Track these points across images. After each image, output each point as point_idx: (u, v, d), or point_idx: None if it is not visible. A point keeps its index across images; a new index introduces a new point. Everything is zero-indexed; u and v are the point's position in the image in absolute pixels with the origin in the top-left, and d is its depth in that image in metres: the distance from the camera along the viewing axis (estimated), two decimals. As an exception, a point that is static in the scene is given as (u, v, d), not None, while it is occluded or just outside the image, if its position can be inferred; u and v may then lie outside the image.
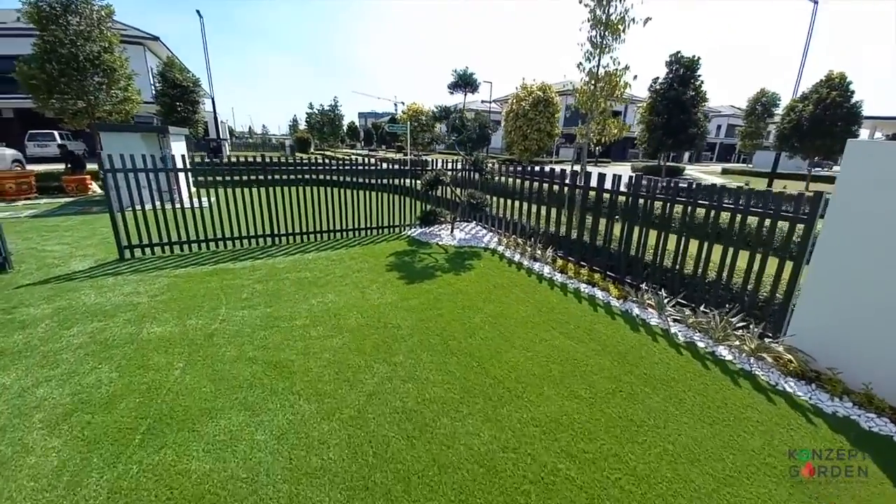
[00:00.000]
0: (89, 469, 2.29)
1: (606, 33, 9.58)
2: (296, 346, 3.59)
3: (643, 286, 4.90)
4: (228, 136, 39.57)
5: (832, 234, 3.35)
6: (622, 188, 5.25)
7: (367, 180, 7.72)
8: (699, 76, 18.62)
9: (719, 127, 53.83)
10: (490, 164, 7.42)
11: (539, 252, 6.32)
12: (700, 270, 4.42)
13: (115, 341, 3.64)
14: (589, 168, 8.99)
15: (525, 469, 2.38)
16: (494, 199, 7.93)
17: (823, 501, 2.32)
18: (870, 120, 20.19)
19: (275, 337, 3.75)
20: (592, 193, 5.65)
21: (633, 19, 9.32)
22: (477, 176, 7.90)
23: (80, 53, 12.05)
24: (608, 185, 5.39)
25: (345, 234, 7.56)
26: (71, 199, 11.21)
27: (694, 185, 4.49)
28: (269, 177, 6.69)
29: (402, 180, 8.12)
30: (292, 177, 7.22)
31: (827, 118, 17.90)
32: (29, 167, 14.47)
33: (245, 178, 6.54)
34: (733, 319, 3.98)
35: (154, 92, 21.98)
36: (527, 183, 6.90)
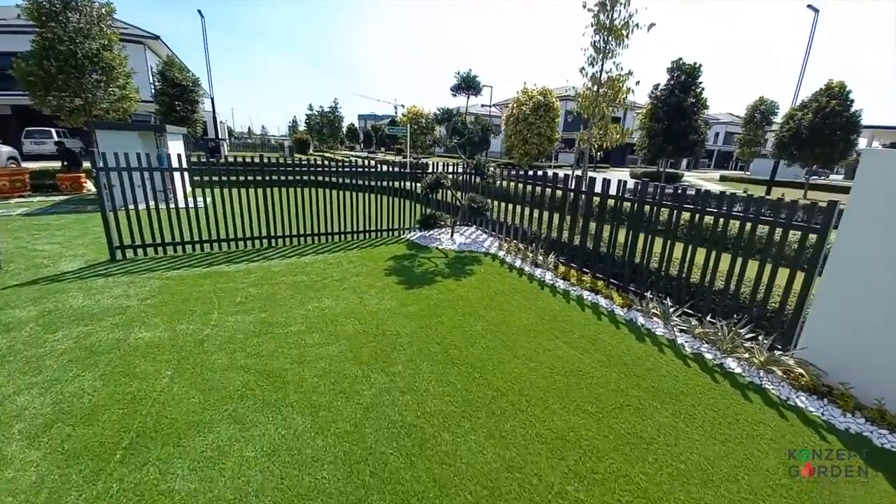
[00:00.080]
0: (68, 486, 2.15)
1: (610, 38, 9.53)
2: (290, 354, 3.45)
3: (648, 294, 4.79)
4: (227, 137, 39.44)
5: (846, 245, 3.25)
6: (627, 194, 5.15)
7: (366, 182, 7.60)
8: (700, 83, 18.64)
9: (717, 134, 54.09)
10: (491, 169, 7.31)
11: (541, 258, 6.21)
12: (708, 280, 4.31)
13: (101, 347, 3.48)
14: (579, 173, 8.90)
15: (531, 491, 2.25)
16: (495, 203, 7.82)
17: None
18: (868, 129, 20.24)
19: (268, 344, 3.61)
20: (596, 199, 5.55)
21: (637, 25, 9.28)
22: (478, 180, 7.79)
23: (79, 51, 11.93)
24: (613, 190, 5.29)
25: (343, 236, 7.43)
26: (65, 197, 11.06)
27: (702, 192, 4.39)
28: (267, 178, 6.56)
29: (401, 183, 8.00)
30: (290, 178, 7.10)
31: (826, 127, 17.92)
32: (25, 165, 14.31)
33: (242, 178, 6.42)
34: (742, 331, 3.87)
35: (153, 91, 21.84)
36: (528, 187, 6.79)
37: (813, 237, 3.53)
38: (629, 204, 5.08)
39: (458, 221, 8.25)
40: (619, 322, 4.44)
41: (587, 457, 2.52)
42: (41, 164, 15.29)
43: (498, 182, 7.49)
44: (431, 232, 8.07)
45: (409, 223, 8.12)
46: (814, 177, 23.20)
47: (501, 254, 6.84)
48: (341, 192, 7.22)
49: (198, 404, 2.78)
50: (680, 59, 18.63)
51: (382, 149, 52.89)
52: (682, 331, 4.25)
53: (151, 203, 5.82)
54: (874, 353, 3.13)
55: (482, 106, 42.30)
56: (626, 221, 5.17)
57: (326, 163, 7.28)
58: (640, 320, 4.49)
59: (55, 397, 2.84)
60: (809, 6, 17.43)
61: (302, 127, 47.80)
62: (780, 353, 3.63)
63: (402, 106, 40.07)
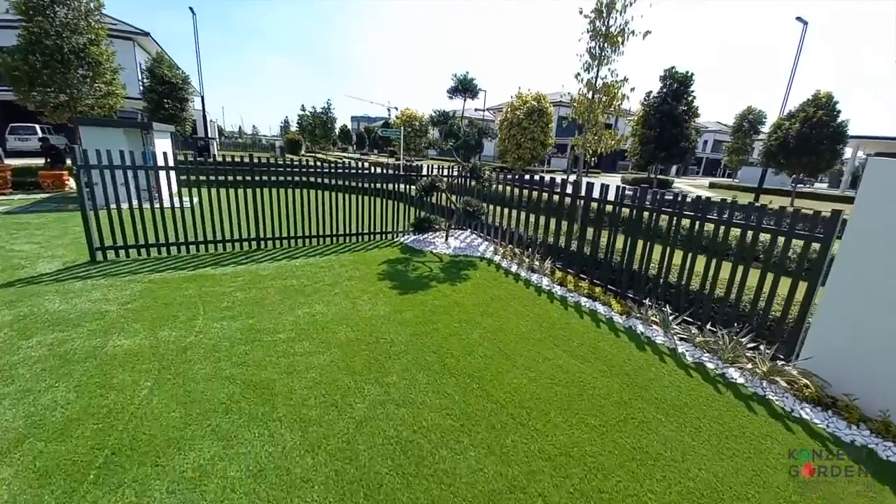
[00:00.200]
0: (34, 510, 1.96)
1: (606, 45, 9.53)
2: (279, 364, 3.28)
3: (646, 302, 4.72)
4: (217, 136, 38.83)
5: (850, 255, 3.20)
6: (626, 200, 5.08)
7: (359, 184, 7.43)
8: (692, 91, 18.86)
9: (706, 142, 54.97)
10: (487, 172, 7.21)
11: (537, 263, 6.11)
12: (708, 287, 4.24)
13: (77, 355, 3.27)
14: (574, 178, 8.87)
15: (535, 513, 2.12)
16: (490, 207, 7.71)
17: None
18: (854, 139, 20.69)
19: (256, 352, 3.43)
20: (594, 204, 5.47)
21: (633, 32, 9.30)
22: (473, 183, 7.68)
23: (65, 45, 11.62)
24: (611, 196, 5.22)
25: (335, 239, 7.25)
26: (47, 195, 10.70)
27: (703, 199, 4.33)
28: (257, 178, 6.37)
29: (395, 185, 7.85)
30: (281, 178, 6.91)
31: (813, 136, 18.24)
32: (8, 161, 13.83)
33: (231, 178, 6.21)
34: (743, 340, 3.81)
35: (142, 88, 21.39)
36: (525, 191, 6.71)
37: (816, 246, 3.48)
38: (628, 210, 5.01)
39: (452, 225, 8.13)
40: (619, 330, 4.35)
41: (592, 474, 2.40)
42: (25, 160, 14.82)
43: (494, 186, 7.39)
44: (426, 235, 7.93)
45: (402, 226, 7.98)
46: (799, 185, 23.63)
47: (497, 258, 6.73)
48: (333, 194, 7.05)
49: (178, 419, 2.60)
50: (672, 67, 18.84)
51: (375, 151, 52.63)
52: (682, 339, 4.17)
53: (135, 202, 5.59)
54: (878, 365, 3.08)
55: (475, 110, 42.40)
56: (625, 227, 5.10)
57: (318, 164, 7.10)
58: (640, 328, 4.41)
59: (27, 409, 2.64)
60: (798, 18, 17.76)
61: (294, 127, 47.32)
62: (782, 363, 3.57)
63: (396, 108, 39.95)
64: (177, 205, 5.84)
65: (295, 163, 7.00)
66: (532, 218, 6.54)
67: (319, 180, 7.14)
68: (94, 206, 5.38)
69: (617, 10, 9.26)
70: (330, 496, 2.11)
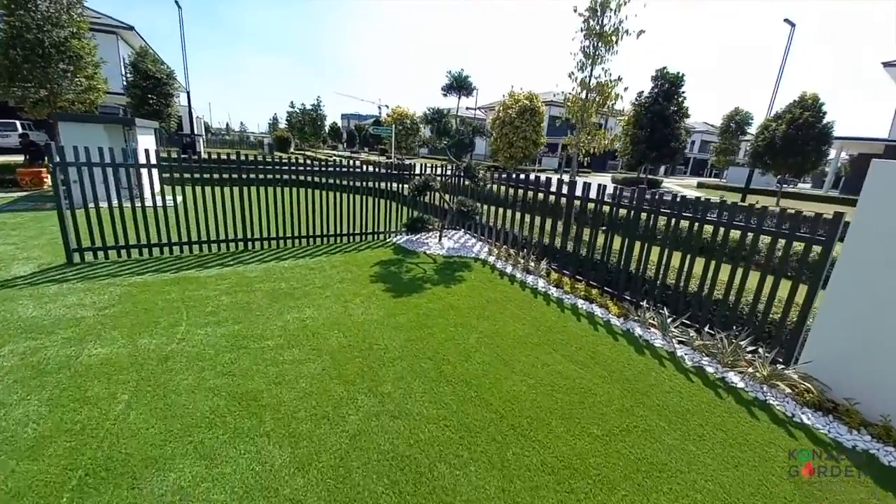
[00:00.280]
0: (-6, 541, 1.78)
1: (600, 44, 9.51)
2: (267, 373, 3.12)
3: (644, 304, 4.65)
4: (204, 132, 38.02)
5: (852, 258, 3.16)
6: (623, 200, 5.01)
7: (350, 183, 7.25)
8: (683, 92, 19.00)
9: (693, 142, 55.69)
10: (482, 172, 7.10)
11: (532, 264, 6.02)
12: (707, 290, 4.19)
13: (50, 365, 3.07)
14: (567, 178, 8.82)
15: (541, 533, 2.01)
16: (485, 207, 7.61)
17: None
18: (838, 140, 21.08)
19: (242, 361, 3.26)
20: (591, 205, 5.40)
21: (627, 31, 9.29)
22: (467, 183, 7.56)
23: (47, 39, 11.22)
24: (608, 196, 5.15)
25: (325, 240, 7.06)
26: (25, 193, 10.30)
27: (702, 201, 4.28)
28: (245, 176, 6.16)
29: (388, 184, 7.68)
30: (269, 176, 6.70)
31: (799, 138, 18.52)
32: (-13, 158, 13.31)
33: (217, 176, 5.99)
34: (743, 343, 3.76)
35: (125, 83, 20.78)
36: (520, 191, 6.61)
37: (817, 249, 3.44)
38: (625, 211, 4.94)
39: (446, 225, 8.00)
40: (617, 333, 4.28)
41: (598, 488, 2.31)
42: (4, 157, 14.26)
43: (488, 186, 7.28)
44: (418, 236, 7.79)
45: (395, 226, 7.82)
46: (784, 185, 24.03)
47: (492, 259, 6.62)
48: (324, 193, 6.86)
49: (158, 435, 2.43)
50: (664, 67, 18.96)
51: (366, 149, 52.19)
52: (680, 342, 4.12)
53: (116, 201, 5.34)
54: (879, 369, 3.04)
55: (467, 108, 42.26)
56: (622, 228, 5.03)
57: (308, 162, 6.91)
58: (638, 331, 4.34)
59: (-3, 425, 2.44)
60: (786, 20, 17.99)
61: (283, 125, 46.67)
62: (782, 367, 3.52)
63: (386, 106, 39.60)
64: (159, 204, 5.59)
65: (284, 161, 6.79)
66: (527, 218, 6.45)
67: (309, 179, 6.95)
68: (70, 205, 5.13)
69: (611, 9, 9.24)
70: (322, 520, 1.98)
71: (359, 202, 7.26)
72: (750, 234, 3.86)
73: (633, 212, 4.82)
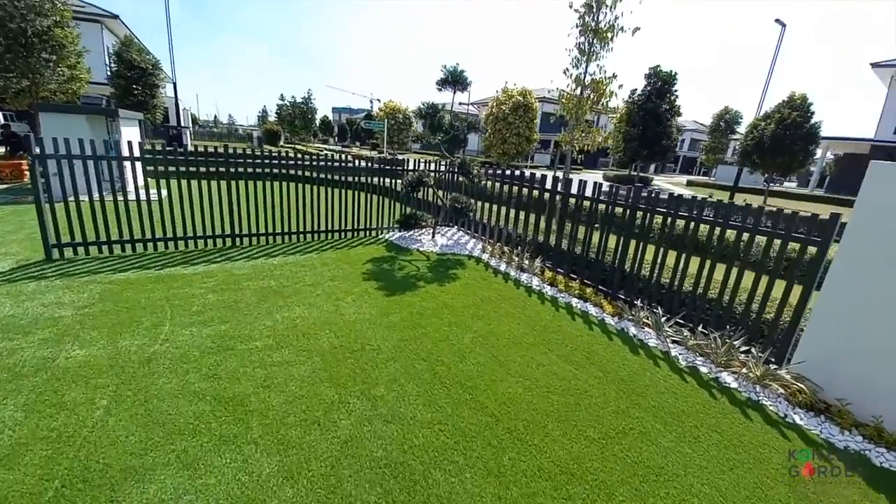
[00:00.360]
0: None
1: (595, 41, 9.45)
2: (254, 376, 3.01)
3: (638, 303, 4.63)
4: (191, 124, 37.19)
5: (847, 259, 3.15)
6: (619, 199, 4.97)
7: (342, 178, 7.11)
8: (675, 90, 19.09)
9: (683, 141, 56.22)
10: (476, 169, 7.01)
11: (527, 262, 5.97)
12: (701, 289, 4.18)
13: (26, 368, 2.93)
14: (561, 175, 8.79)
15: (538, 543, 1.96)
16: (478, 203, 7.53)
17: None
18: (825, 140, 21.42)
19: (229, 363, 3.15)
20: (586, 203, 5.35)
21: (622, 28, 9.24)
22: (461, 179, 7.47)
23: (29, 28, 10.85)
24: (604, 194, 5.11)
25: (316, 236, 6.92)
26: (5, 186, 9.95)
27: (698, 200, 4.26)
28: (233, 169, 5.97)
29: (381, 180, 7.55)
30: (258, 170, 6.51)
31: (787, 137, 18.76)
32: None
33: (204, 169, 5.80)
34: (736, 343, 3.76)
35: (109, 73, 20.18)
36: (514, 189, 6.55)
37: (813, 250, 3.43)
38: (621, 209, 4.91)
39: (439, 222, 7.91)
40: (612, 332, 4.25)
41: (595, 493, 2.26)
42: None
43: (483, 182, 7.20)
44: (411, 232, 7.69)
45: (387, 222, 7.70)
46: (771, 184, 24.39)
47: (485, 257, 6.56)
48: (315, 188, 6.70)
49: (138, 443, 2.32)
50: (657, 66, 19.01)
51: (357, 143, 51.67)
52: (674, 342, 4.10)
53: (98, 195, 5.14)
54: (871, 370, 3.05)
55: (460, 104, 42.01)
56: (617, 227, 4.99)
57: (299, 156, 6.74)
58: (632, 330, 4.32)
59: (-30, 432, 2.31)
60: (777, 20, 18.13)
61: (272, 117, 45.86)
62: (774, 367, 3.52)
63: (378, 100, 39.16)
64: (143, 198, 5.40)
65: (274, 154, 6.62)
66: (521, 215, 6.39)
67: (300, 173, 6.79)
68: (49, 198, 4.92)
69: (607, 6, 9.18)
70: (312, 532, 1.90)
71: (351, 198, 7.13)
72: (746, 234, 3.84)
73: (628, 210, 4.78)
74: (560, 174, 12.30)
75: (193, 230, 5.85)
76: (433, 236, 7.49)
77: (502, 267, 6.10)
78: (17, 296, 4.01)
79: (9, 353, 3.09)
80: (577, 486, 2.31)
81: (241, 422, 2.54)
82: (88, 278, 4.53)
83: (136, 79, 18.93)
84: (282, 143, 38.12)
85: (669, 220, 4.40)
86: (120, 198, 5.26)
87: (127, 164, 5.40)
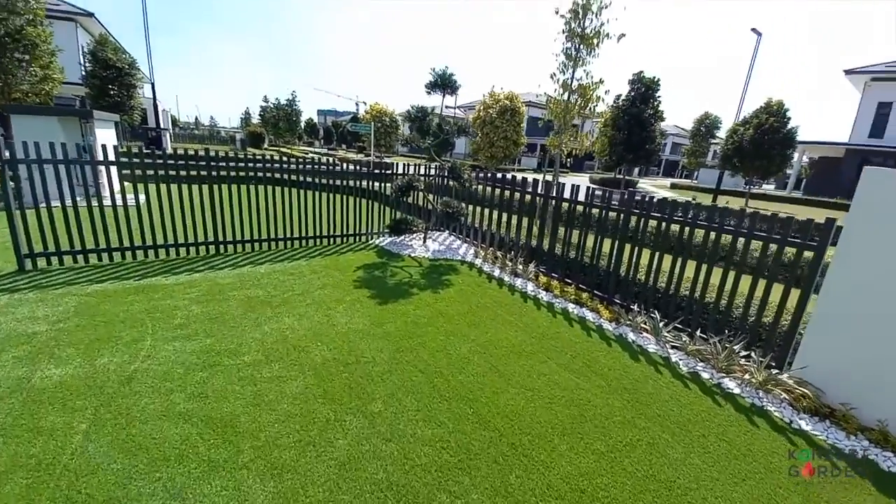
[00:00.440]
0: None
1: (581, 46, 9.48)
2: (244, 394, 2.84)
3: (634, 307, 4.60)
4: (171, 126, 36.28)
5: (845, 262, 3.16)
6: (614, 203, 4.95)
7: (330, 182, 6.93)
8: (658, 96, 19.45)
9: (665, 145, 57.42)
10: (467, 173, 6.92)
11: (520, 267, 5.90)
12: (698, 294, 4.16)
13: (1, 389, 2.71)
14: (549, 178, 8.79)
15: (553, 569, 1.86)
16: (469, 208, 7.45)
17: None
18: (801, 144, 22.10)
19: (216, 380, 2.97)
20: (580, 208, 5.32)
21: (608, 35, 9.30)
22: (452, 183, 7.37)
23: (2, 28, 10.40)
24: (597, 199, 5.08)
25: (304, 242, 6.72)
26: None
27: (693, 204, 4.25)
28: (216, 173, 5.73)
29: (370, 183, 7.40)
30: (242, 174, 6.29)
31: (765, 142, 19.31)
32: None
33: (185, 173, 5.56)
34: (736, 348, 3.74)
35: (84, 73, 19.48)
36: (506, 193, 6.48)
37: (809, 254, 3.44)
38: (615, 213, 4.88)
39: (430, 227, 7.79)
40: (610, 339, 4.20)
41: (607, 513, 2.18)
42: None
43: (474, 186, 7.12)
44: (402, 238, 7.55)
45: (377, 228, 7.54)
46: (750, 186, 25.07)
47: (478, 262, 6.47)
48: (301, 192, 6.50)
49: (121, 471, 2.13)
50: (641, 71, 19.37)
51: (343, 146, 51.22)
52: (674, 347, 4.07)
53: (73, 201, 4.86)
54: (874, 373, 3.06)
55: (446, 107, 42.02)
56: (612, 231, 4.96)
57: (284, 159, 6.54)
58: (631, 336, 4.27)
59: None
60: (753, 29, 18.66)
61: (256, 119, 45.10)
62: (776, 372, 3.52)
63: (364, 103, 38.86)
64: (120, 203, 5.14)
65: (258, 157, 6.41)
66: (514, 220, 6.33)
67: (286, 177, 6.59)
68: (20, 205, 4.64)
69: (592, 12, 9.23)
70: (312, 569, 1.75)
71: (339, 202, 6.95)
72: (742, 239, 3.84)
73: (623, 214, 4.76)
74: (549, 177, 12.33)
75: (175, 237, 5.60)
76: (425, 241, 7.37)
77: (496, 272, 6.02)
78: (-16, 310, 3.74)
79: (-24, 373, 2.86)
80: (589, 504, 2.22)
81: (231, 444, 2.37)
82: (63, 290, 4.27)
83: (111, 79, 18.31)
84: (266, 145, 37.48)
85: (664, 224, 4.39)
86: (95, 203, 4.99)
87: (102, 168, 5.13)
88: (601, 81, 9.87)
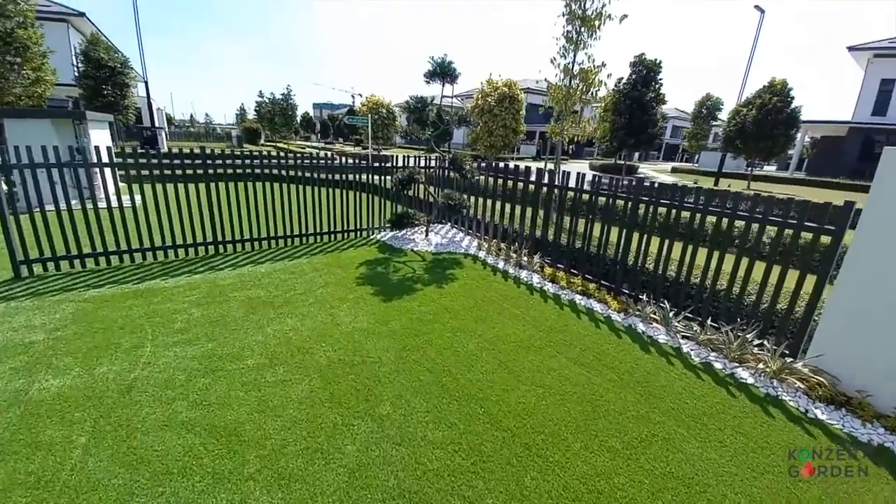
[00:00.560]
0: None
1: (583, 29, 9.25)
2: (248, 400, 2.77)
3: (643, 297, 4.51)
4: (166, 125, 35.91)
5: (863, 247, 3.05)
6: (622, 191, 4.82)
7: (329, 177, 6.80)
8: (660, 79, 19.11)
9: (665, 128, 56.72)
10: (469, 163, 6.78)
11: (525, 259, 5.80)
12: (709, 282, 4.07)
13: (-5, 402, 2.64)
14: (550, 166, 8.65)
15: (574, 577, 1.79)
16: (472, 199, 7.32)
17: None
18: (803, 124, 21.77)
19: (218, 386, 2.90)
20: (585, 196, 5.19)
21: (609, 16, 9.05)
22: (453, 174, 7.23)
23: None
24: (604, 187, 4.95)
25: (304, 239, 6.62)
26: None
27: (703, 190, 4.13)
28: (212, 171, 5.61)
29: (369, 177, 7.26)
30: (240, 171, 6.15)
31: (769, 122, 19.00)
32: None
33: (181, 172, 5.44)
34: (749, 336, 3.65)
35: (76, 73, 19.20)
36: (509, 183, 6.35)
37: (826, 239, 3.33)
38: (623, 201, 4.76)
39: (432, 220, 7.68)
40: (620, 330, 4.11)
41: (626, 514, 2.11)
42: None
43: (476, 178, 6.98)
44: (404, 232, 7.44)
45: (378, 222, 7.43)
46: (752, 168, 24.78)
47: (482, 254, 6.37)
48: (300, 188, 6.38)
49: (122, 486, 2.07)
50: (642, 54, 18.98)
51: (340, 139, 50.78)
52: (685, 337, 3.99)
53: (69, 204, 4.76)
54: (892, 360, 2.97)
55: (443, 97, 41.50)
56: (619, 219, 4.85)
57: (282, 154, 6.40)
58: (640, 327, 4.19)
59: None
60: (756, 7, 18.24)
61: (251, 115, 44.61)
62: (790, 360, 3.43)
63: (360, 95, 38.34)
64: (115, 205, 5.02)
65: (255, 154, 6.27)
66: (517, 211, 6.20)
67: (283, 173, 6.47)
68: (14, 211, 4.54)
69: (593, -8, 8.99)
70: (324, 585, 1.69)
71: (338, 197, 6.83)
72: (755, 225, 3.73)
73: (630, 202, 4.64)
74: (550, 165, 12.17)
75: (172, 238, 5.50)
76: (427, 235, 7.27)
77: (500, 264, 5.92)
78: (-20, 319, 3.66)
79: (-27, 385, 2.79)
80: (607, 505, 2.15)
81: (237, 455, 2.30)
82: (61, 297, 4.19)
83: (105, 78, 18.05)
84: (262, 141, 37.15)
85: (674, 211, 4.27)
86: (90, 206, 4.88)
87: (96, 169, 5.01)
88: (603, 65, 9.65)
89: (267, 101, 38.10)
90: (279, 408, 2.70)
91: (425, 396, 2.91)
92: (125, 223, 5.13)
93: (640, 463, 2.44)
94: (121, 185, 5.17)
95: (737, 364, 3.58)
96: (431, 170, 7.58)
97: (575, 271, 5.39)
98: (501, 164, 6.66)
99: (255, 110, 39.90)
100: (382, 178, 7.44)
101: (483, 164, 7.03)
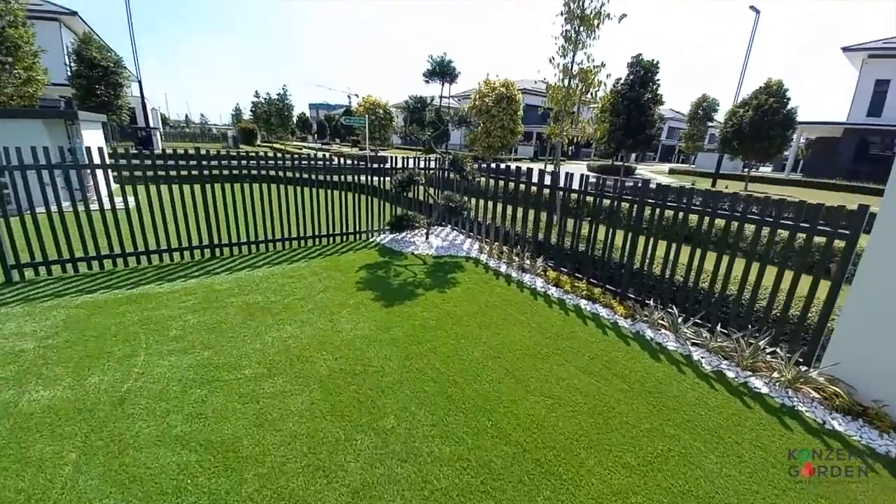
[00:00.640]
0: None
1: (581, 28, 9.17)
2: (245, 413, 2.65)
3: (650, 303, 4.42)
4: (161, 125, 35.59)
5: (879, 251, 2.98)
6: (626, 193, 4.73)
7: (327, 178, 6.68)
8: (657, 79, 19.09)
9: (661, 129, 56.91)
10: (469, 165, 6.68)
11: (528, 262, 5.71)
12: (719, 287, 3.98)
13: (-22, 416, 2.51)
14: (551, 167, 8.55)
15: None
16: (473, 201, 7.21)
17: None
18: (800, 125, 21.83)
19: (215, 398, 2.77)
20: (590, 198, 5.10)
21: (609, 15, 8.98)
22: (454, 176, 7.13)
23: None
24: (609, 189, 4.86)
25: (302, 242, 6.50)
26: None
27: (712, 192, 4.04)
28: (208, 172, 5.47)
29: (368, 178, 7.15)
30: (236, 172, 6.02)
31: (765, 123, 19.03)
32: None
33: (176, 173, 5.30)
34: (761, 343, 3.57)
35: (69, 73, 18.95)
36: (510, 185, 6.25)
37: (841, 243, 3.25)
38: (628, 204, 4.67)
39: (432, 222, 7.57)
40: (628, 337, 4.02)
41: (645, 536, 2.01)
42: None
43: (477, 179, 6.87)
44: (404, 234, 7.33)
45: (377, 225, 7.31)
46: (748, 169, 24.85)
47: (483, 258, 6.26)
48: (298, 190, 6.25)
49: (112, 510, 1.95)
50: (639, 54, 18.95)
51: (337, 140, 50.58)
52: (695, 344, 3.90)
53: (64, 205, 4.61)
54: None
55: (440, 97, 41.40)
56: (625, 222, 4.76)
57: (279, 155, 6.27)
58: (649, 333, 4.10)
59: None
60: (752, 7, 18.27)
61: (247, 115, 44.32)
62: (805, 369, 3.35)
63: (357, 95, 38.15)
64: (108, 207, 4.88)
65: (251, 155, 6.13)
66: (519, 213, 6.11)
67: (280, 174, 6.34)
68: (4, 213, 4.40)
69: (592, -8, 8.90)
70: None
71: (337, 199, 6.71)
72: (766, 229, 3.65)
73: (636, 205, 4.55)
74: (549, 166, 12.07)
75: (167, 242, 5.36)
76: (427, 237, 7.16)
77: (503, 268, 5.82)
78: (-33, 327, 3.52)
79: (-40, 397, 2.65)
80: (624, 526, 2.05)
81: (234, 472, 2.18)
82: (52, 302, 4.05)
83: (98, 78, 17.84)
84: (258, 142, 36.91)
85: (682, 214, 4.18)
86: (83, 209, 4.74)
87: (97, 171, 4.87)
88: (602, 65, 9.57)
89: (263, 101, 37.89)
90: (278, 421, 2.58)
91: (431, 408, 2.80)
92: (119, 226, 4.99)
93: (658, 480, 2.34)
94: (114, 186, 5.01)
95: (749, 372, 3.49)
96: (431, 171, 7.47)
97: (579, 275, 5.30)
98: (502, 166, 6.56)
99: (252, 111, 39.67)
100: (381, 179, 7.32)
101: (483, 166, 6.93)
